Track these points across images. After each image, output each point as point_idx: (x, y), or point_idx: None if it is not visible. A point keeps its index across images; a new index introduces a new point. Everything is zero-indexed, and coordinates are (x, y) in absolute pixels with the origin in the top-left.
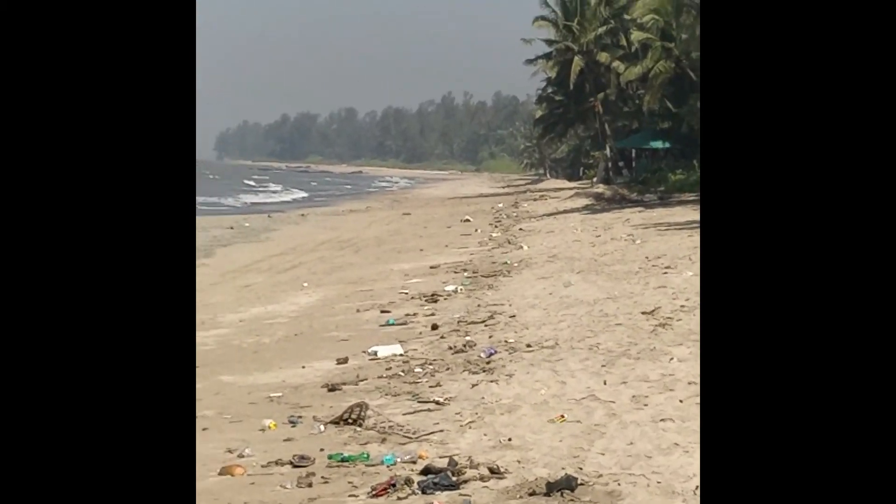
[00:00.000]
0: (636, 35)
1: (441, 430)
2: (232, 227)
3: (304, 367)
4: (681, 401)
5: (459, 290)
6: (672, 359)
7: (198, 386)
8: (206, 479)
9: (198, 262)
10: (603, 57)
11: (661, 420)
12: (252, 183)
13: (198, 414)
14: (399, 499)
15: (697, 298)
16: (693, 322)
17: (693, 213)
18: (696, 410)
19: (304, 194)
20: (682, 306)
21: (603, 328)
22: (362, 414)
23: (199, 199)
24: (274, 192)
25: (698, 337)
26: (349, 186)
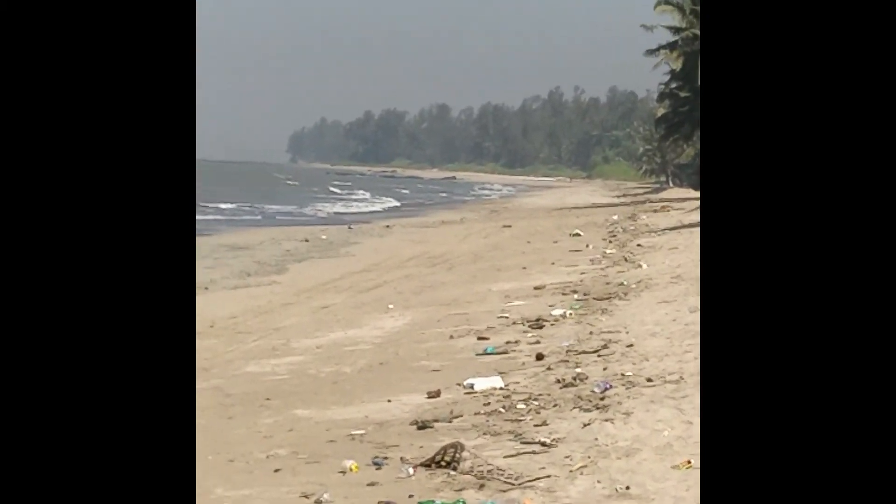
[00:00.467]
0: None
1: (548, 476)
2: (307, 240)
3: (389, 400)
4: None
5: (568, 315)
6: None
7: (269, 421)
8: None
9: (269, 279)
10: None
11: None
12: (337, 190)
13: (269, 453)
14: None
15: None
16: None
17: None
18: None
19: (396, 203)
20: None
21: None
22: (457, 456)
23: (275, 207)
24: (361, 200)
25: None
26: (444, 194)
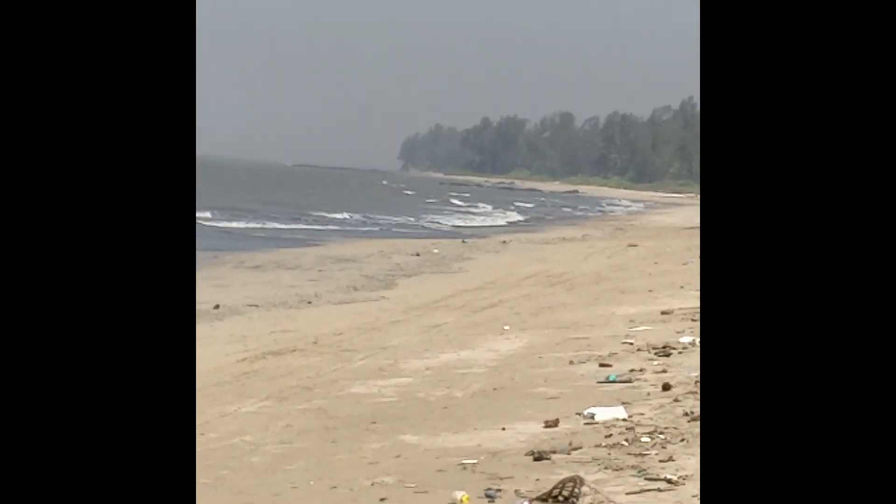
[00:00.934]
0: None
1: None
2: (418, 254)
3: (504, 428)
4: None
5: (698, 343)
6: None
7: (375, 446)
8: None
9: (377, 294)
10: None
11: None
12: (458, 202)
13: (375, 480)
14: None
15: None
16: None
17: None
18: None
19: (519, 217)
20: None
21: None
22: (576, 491)
23: (393, 219)
24: (483, 213)
25: None
26: (566, 209)
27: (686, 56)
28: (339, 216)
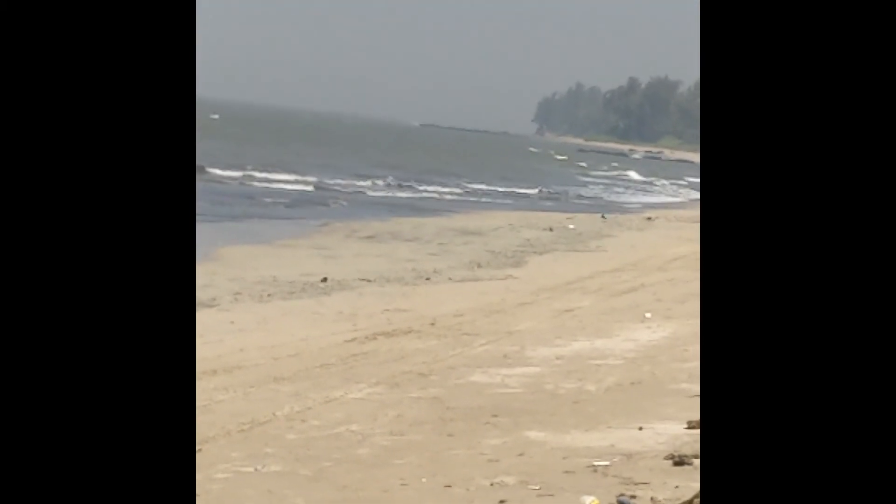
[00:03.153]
0: None
1: None
2: (551, 229)
3: (641, 428)
4: None
5: None
6: None
7: (495, 442)
8: None
9: (503, 272)
10: None
11: None
12: (633, 174)
13: (494, 480)
14: None
15: None
16: None
17: None
18: None
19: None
20: None
21: None
22: None
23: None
24: (658, 190)
25: None
26: None
27: None
28: (477, 186)
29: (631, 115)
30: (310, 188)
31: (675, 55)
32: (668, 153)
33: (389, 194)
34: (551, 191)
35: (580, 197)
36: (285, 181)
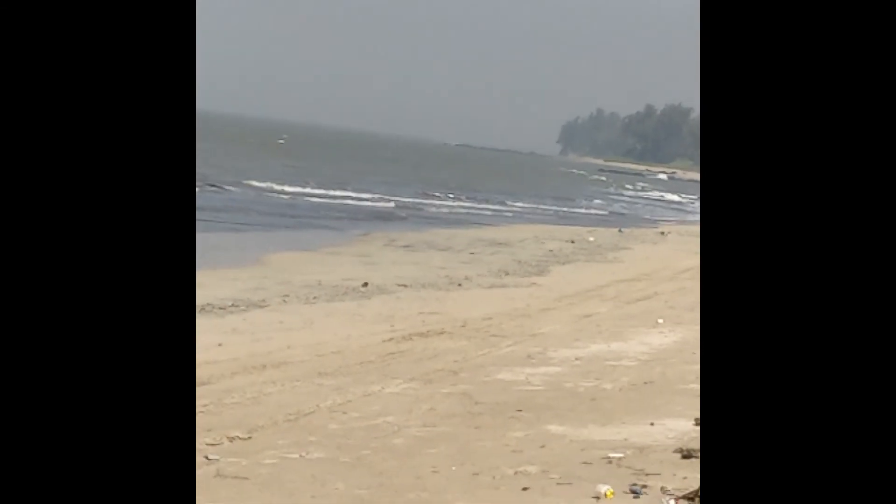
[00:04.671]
0: None
1: None
2: (573, 241)
3: (652, 423)
4: None
5: None
6: None
7: (519, 434)
8: None
9: (528, 280)
10: None
11: None
12: (679, 199)
13: (518, 469)
14: None
15: None
16: None
17: None
18: None
19: None
20: None
21: None
22: None
23: (581, 210)
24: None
25: None
26: None
27: None
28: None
29: (647, 138)
30: (378, 204)
31: (690, 83)
32: (681, 174)
33: (449, 210)
34: (613, 210)
35: (637, 215)
36: (344, 196)
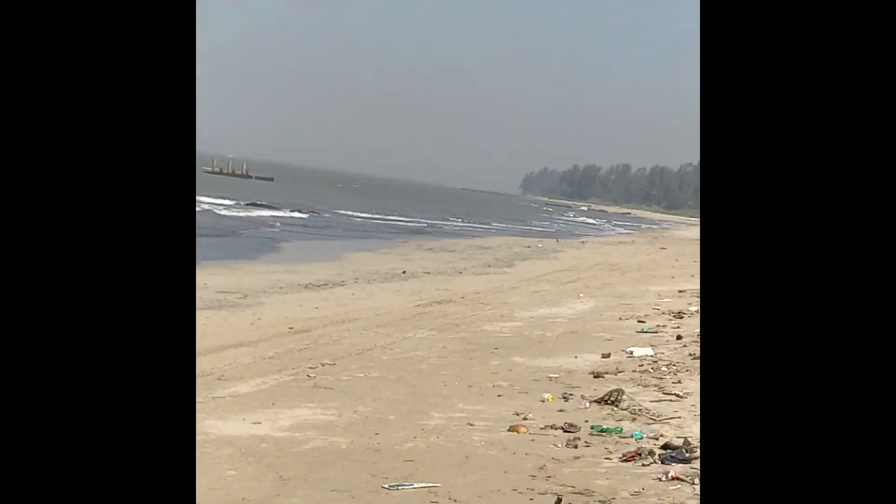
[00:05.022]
0: None
1: (679, 417)
2: (529, 247)
3: (576, 357)
4: None
5: (691, 313)
6: None
7: (496, 363)
8: (499, 433)
9: (502, 270)
10: None
11: None
12: (589, 219)
13: (495, 384)
14: (643, 465)
15: None
16: None
17: None
18: None
19: (624, 230)
20: None
21: None
22: (619, 397)
23: (531, 226)
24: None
25: None
26: (623, 223)
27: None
28: (499, 225)
29: (574, 185)
30: (413, 223)
31: (598, 150)
32: (595, 207)
33: (458, 228)
34: (554, 228)
35: (568, 231)
36: (393, 219)
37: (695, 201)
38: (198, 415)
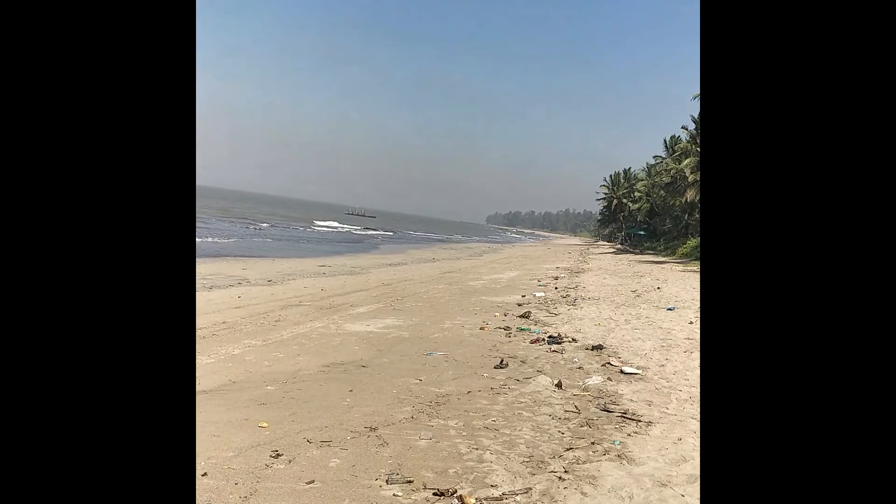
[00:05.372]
0: (638, 193)
1: (555, 324)
2: (491, 247)
3: (510, 296)
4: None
5: (562, 277)
6: None
7: (474, 300)
8: (475, 330)
9: (478, 258)
10: (625, 200)
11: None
12: (514, 234)
13: (474, 309)
14: (539, 345)
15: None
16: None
17: (650, 258)
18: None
19: (532, 240)
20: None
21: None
22: (528, 313)
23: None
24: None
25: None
26: (532, 237)
27: (570, 187)
28: (437, 237)
29: (511, 220)
30: (436, 237)
31: (520, 200)
32: (528, 231)
33: (460, 239)
34: (500, 240)
35: (507, 241)
36: (423, 236)
37: (563, 227)
38: (339, 322)
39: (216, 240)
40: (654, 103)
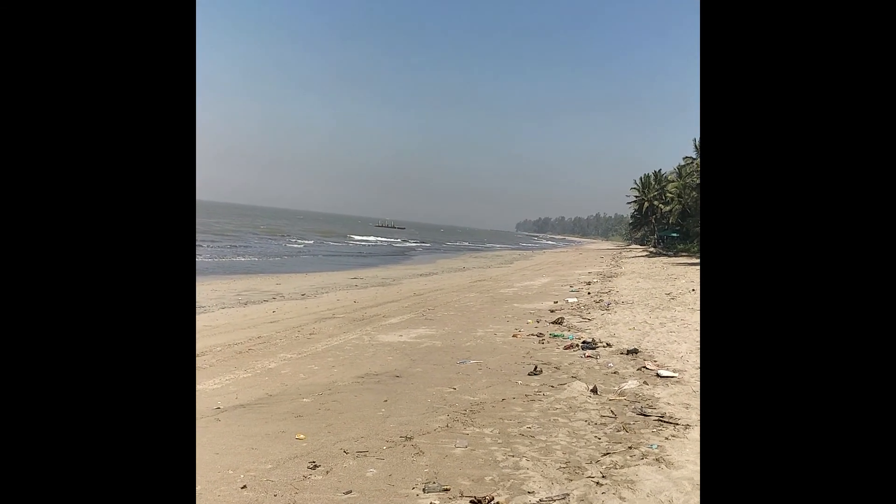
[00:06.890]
0: (669, 195)
1: (588, 329)
2: (521, 254)
3: (543, 303)
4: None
5: (594, 282)
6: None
7: (506, 307)
8: (507, 338)
9: (508, 266)
10: (656, 202)
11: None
12: (550, 242)
13: (506, 317)
14: (573, 351)
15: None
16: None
17: (685, 260)
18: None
19: (563, 246)
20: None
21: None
22: (561, 319)
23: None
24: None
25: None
26: (564, 243)
27: (604, 190)
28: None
29: (541, 227)
30: (464, 245)
31: (551, 207)
32: (557, 238)
33: (490, 247)
34: (532, 246)
35: (540, 248)
36: (454, 246)
37: (594, 232)
38: (371, 333)
39: (253, 259)
40: (675, 101)
